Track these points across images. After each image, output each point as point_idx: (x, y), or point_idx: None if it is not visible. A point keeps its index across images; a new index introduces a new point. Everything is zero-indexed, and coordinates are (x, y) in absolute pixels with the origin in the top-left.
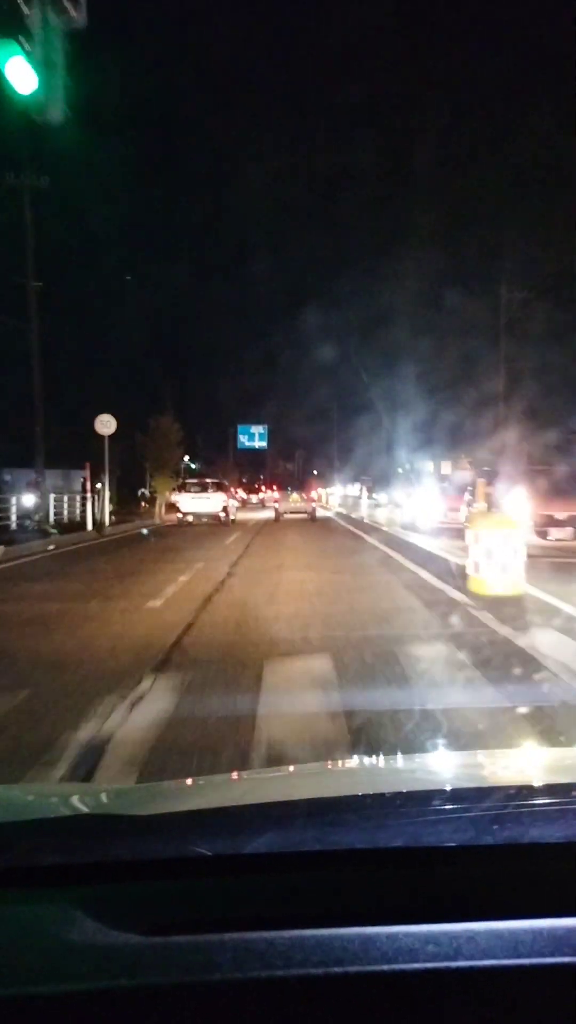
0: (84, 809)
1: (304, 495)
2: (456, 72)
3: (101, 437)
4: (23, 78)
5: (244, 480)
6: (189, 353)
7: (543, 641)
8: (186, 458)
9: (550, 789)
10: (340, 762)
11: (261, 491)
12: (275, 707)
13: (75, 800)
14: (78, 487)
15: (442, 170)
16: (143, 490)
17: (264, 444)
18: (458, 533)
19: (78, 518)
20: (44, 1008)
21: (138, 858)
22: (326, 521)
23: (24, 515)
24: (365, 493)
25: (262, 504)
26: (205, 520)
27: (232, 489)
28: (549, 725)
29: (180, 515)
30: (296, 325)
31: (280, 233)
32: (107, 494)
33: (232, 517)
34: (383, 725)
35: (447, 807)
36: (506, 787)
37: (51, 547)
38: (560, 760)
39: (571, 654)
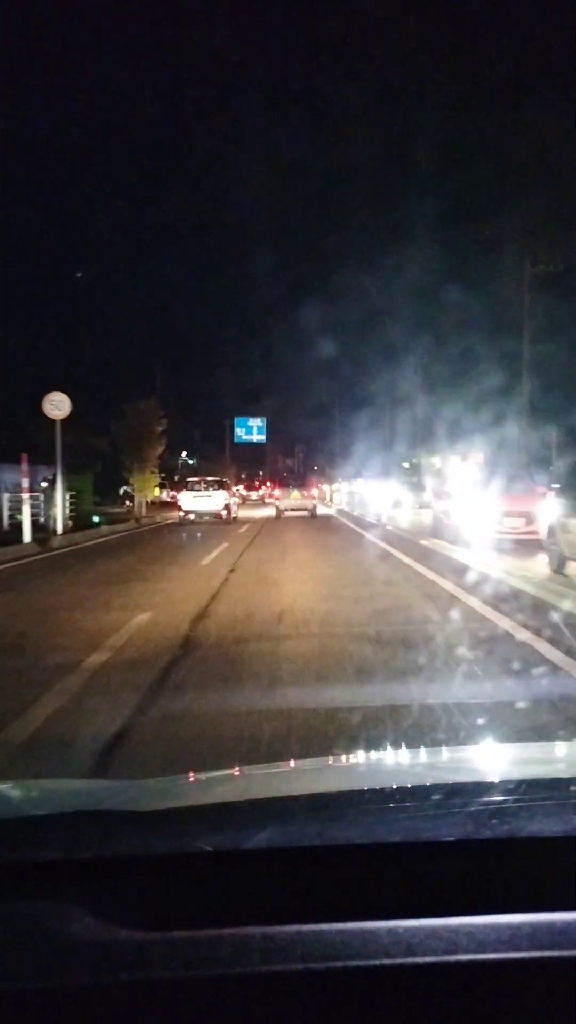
0: (86, 805)
1: (305, 492)
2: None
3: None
4: None
5: (243, 476)
6: (188, 349)
7: None
8: (183, 454)
9: (549, 784)
10: (340, 757)
11: (261, 488)
12: None
13: (77, 796)
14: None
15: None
16: (125, 488)
17: (263, 437)
18: (525, 550)
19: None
20: (46, 1003)
21: (139, 854)
22: (338, 527)
23: None
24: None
25: (262, 501)
26: (207, 518)
27: (233, 487)
28: None
29: (182, 513)
30: (296, 320)
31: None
32: (60, 494)
33: (234, 515)
34: None
35: (446, 802)
36: (505, 782)
37: None
38: (559, 755)
39: None
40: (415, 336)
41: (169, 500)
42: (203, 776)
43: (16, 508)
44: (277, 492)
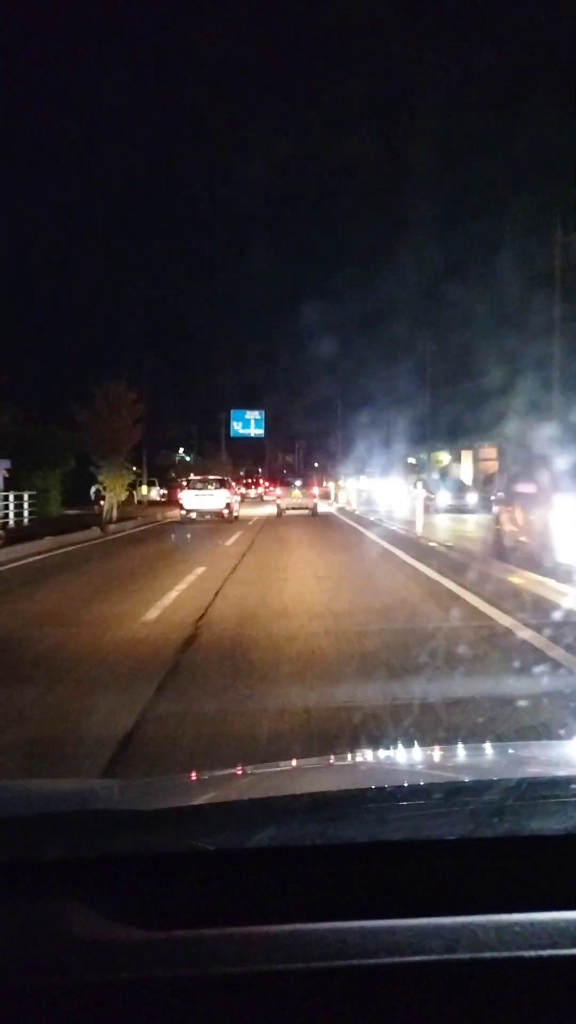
0: (87, 804)
1: (306, 491)
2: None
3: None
4: None
5: (241, 473)
6: (186, 347)
7: None
8: (180, 450)
9: (550, 782)
10: (341, 756)
11: (259, 485)
12: None
13: (79, 795)
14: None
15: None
16: (96, 486)
17: (261, 432)
18: None
19: None
20: (47, 1001)
21: (141, 853)
22: (359, 542)
23: None
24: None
25: (260, 499)
26: (208, 517)
27: (235, 486)
28: None
29: (183, 512)
30: (294, 314)
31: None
32: None
33: (235, 514)
34: None
35: (447, 800)
36: (506, 780)
37: None
38: (560, 753)
39: None
40: (437, 315)
41: (160, 499)
42: (205, 775)
43: None
44: (278, 491)
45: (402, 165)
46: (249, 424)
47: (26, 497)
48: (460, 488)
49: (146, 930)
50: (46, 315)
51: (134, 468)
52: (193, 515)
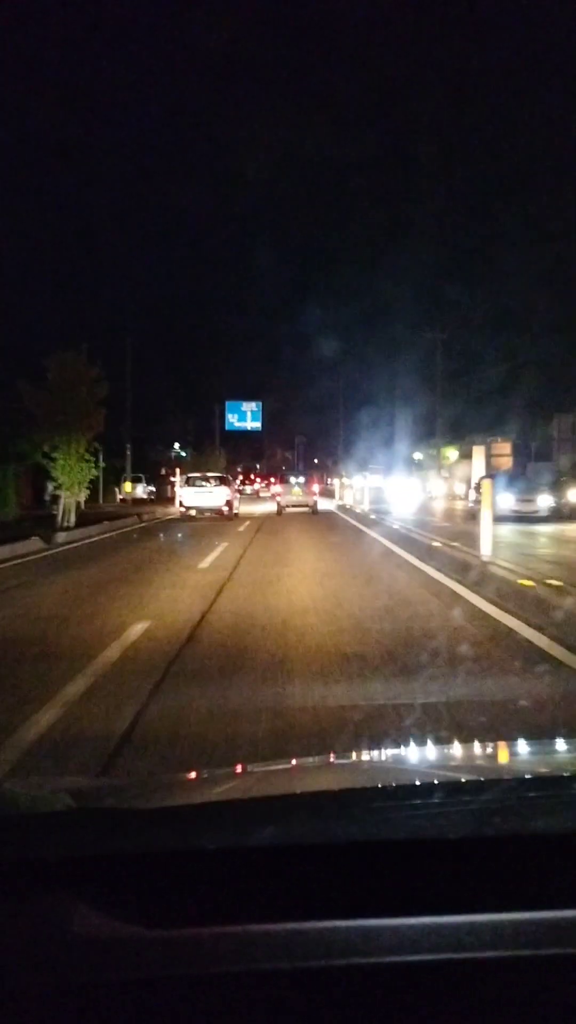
0: (88, 803)
1: (306, 489)
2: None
3: None
4: None
5: (239, 469)
6: (185, 345)
7: None
8: (176, 446)
9: (551, 781)
10: (342, 755)
11: (255, 482)
12: None
13: (79, 794)
14: None
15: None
16: (51, 485)
17: (258, 424)
18: None
19: None
20: (48, 1000)
21: (142, 851)
22: (386, 560)
23: None
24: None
25: (256, 496)
26: (208, 514)
27: (235, 483)
28: None
29: (183, 509)
30: (296, 309)
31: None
32: None
33: (235, 511)
34: None
35: (448, 800)
36: (507, 780)
37: None
38: (561, 752)
39: None
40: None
41: (147, 497)
42: (205, 774)
43: None
44: (278, 488)
45: (406, 160)
46: (245, 416)
47: None
48: (528, 488)
49: (147, 929)
50: (43, 309)
51: (94, 460)
52: (192, 512)
